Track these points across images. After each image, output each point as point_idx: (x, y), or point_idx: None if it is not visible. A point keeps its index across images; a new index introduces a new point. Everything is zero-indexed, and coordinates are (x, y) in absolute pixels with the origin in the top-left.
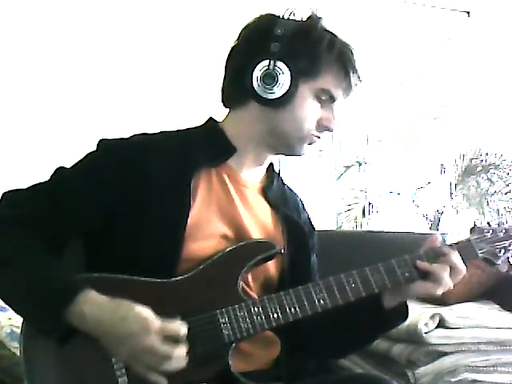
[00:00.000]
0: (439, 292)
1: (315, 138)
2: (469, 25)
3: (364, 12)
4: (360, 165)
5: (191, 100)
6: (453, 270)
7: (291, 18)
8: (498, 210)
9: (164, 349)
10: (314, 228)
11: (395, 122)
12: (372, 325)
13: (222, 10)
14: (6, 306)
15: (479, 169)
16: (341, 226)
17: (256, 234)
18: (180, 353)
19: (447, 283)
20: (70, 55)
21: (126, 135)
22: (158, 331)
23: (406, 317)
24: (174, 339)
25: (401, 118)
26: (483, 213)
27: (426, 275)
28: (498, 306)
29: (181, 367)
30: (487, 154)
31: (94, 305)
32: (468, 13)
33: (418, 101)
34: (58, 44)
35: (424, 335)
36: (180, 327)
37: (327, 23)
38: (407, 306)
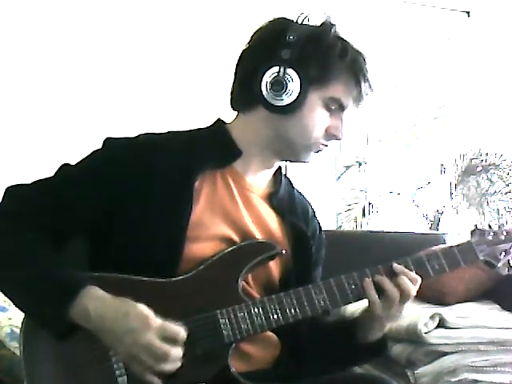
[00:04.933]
0: (392, 314)
1: (322, 147)
2: (469, 25)
3: (364, 12)
4: (360, 165)
5: (202, 101)
6: (401, 293)
7: (305, 22)
8: (498, 210)
9: (161, 348)
10: (322, 240)
11: (395, 121)
12: (347, 358)
13: (235, 12)
14: (6, 306)
15: (479, 169)
16: (341, 226)
17: (260, 237)
18: (176, 354)
19: (399, 306)
20: (79, 52)
21: (134, 135)
22: (157, 330)
23: (384, 352)
24: (171, 340)
25: (401, 117)
26: (483, 213)
27: (381, 293)
28: (498, 305)
29: (176, 369)
30: (487, 154)
31: (98, 300)
32: (468, 13)
33: (418, 101)
34: (67, 41)
35: (424, 335)
36: (180, 330)
37: (340, 29)
38: (385, 340)
